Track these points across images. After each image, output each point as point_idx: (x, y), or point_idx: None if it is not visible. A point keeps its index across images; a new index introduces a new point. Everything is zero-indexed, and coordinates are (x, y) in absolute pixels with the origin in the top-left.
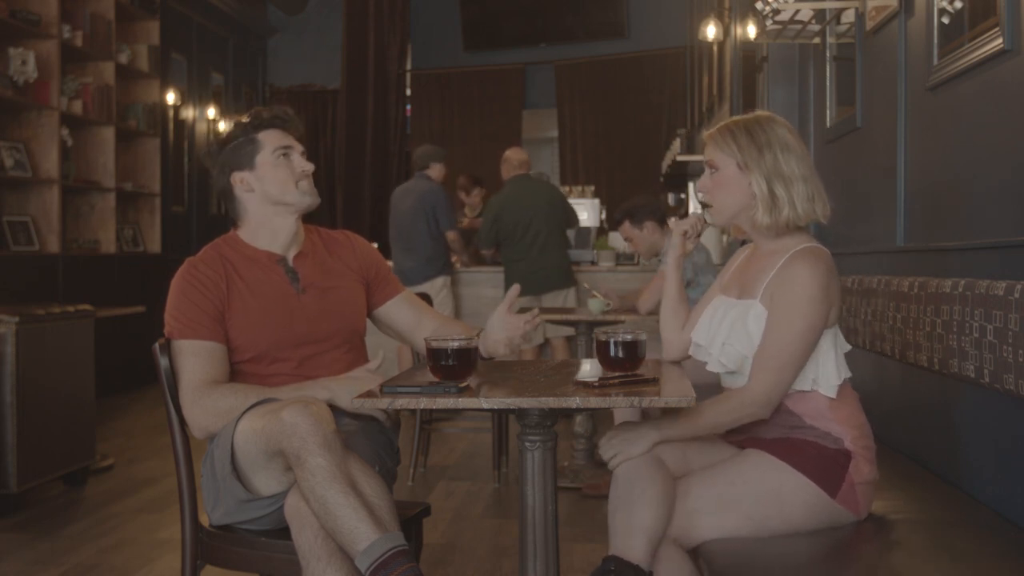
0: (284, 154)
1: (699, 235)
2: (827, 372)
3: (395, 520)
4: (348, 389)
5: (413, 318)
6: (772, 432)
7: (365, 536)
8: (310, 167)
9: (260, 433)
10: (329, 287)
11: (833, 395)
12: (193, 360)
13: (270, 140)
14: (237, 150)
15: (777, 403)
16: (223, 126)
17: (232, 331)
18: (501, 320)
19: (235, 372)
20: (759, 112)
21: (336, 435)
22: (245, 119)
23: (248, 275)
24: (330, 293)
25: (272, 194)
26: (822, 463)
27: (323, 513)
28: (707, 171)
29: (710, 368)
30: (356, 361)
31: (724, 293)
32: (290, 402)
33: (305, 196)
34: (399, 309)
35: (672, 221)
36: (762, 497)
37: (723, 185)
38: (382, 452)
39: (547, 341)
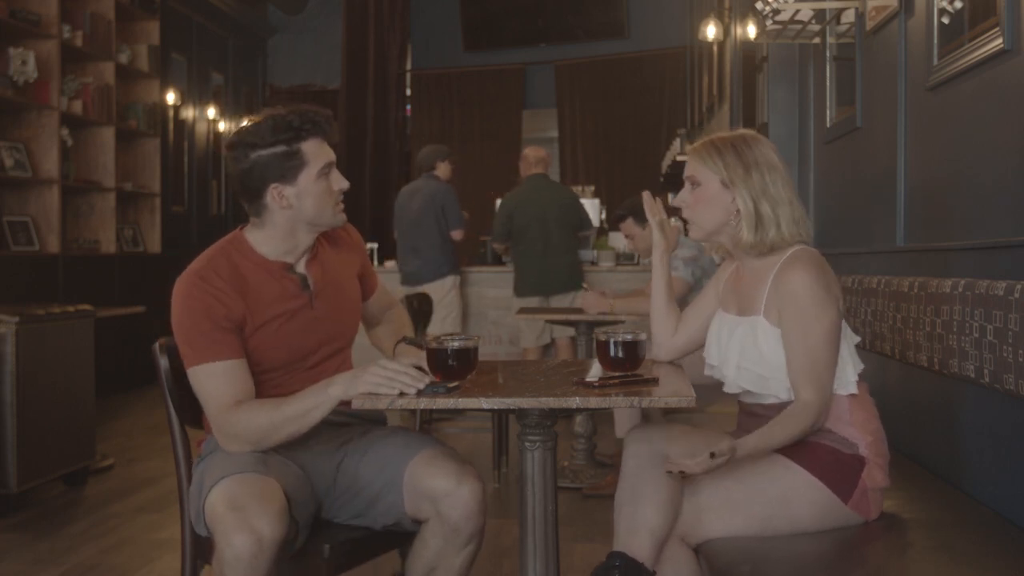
0: (327, 173)
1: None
2: (843, 367)
3: None
4: (359, 381)
5: (378, 311)
6: None
7: None
8: (346, 184)
9: (217, 521)
10: (338, 288)
11: (854, 391)
12: (213, 382)
13: (314, 155)
14: (279, 160)
15: (829, 405)
16: (223, 126)
17: (248, 347)
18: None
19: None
20: (743, 130)
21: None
22: (284, 121)
23: (263, 289)
24: (338, 294)
25: (309, 214)
26: (836, 467)
27: None
28: (687, 186)
29: (728, 391)
30: (351, 356)
31: (723, 308)
32: (242, 524)
33: (339, 216)
34: (374, 303)
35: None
36: (772, 498)
37: (704, 201)
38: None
39: (553, 341)
